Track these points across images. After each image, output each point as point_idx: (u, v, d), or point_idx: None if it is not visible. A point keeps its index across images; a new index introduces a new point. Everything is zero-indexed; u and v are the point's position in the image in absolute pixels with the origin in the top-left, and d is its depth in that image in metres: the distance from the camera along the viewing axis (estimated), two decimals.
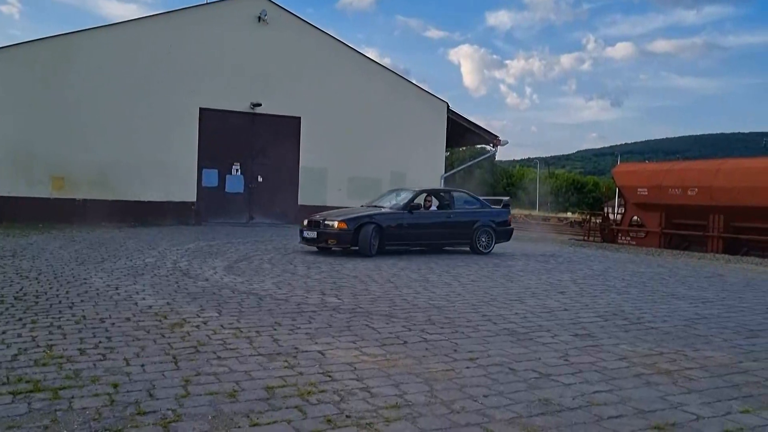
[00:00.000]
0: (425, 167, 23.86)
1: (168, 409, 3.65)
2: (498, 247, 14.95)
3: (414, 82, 25.64)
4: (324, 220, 12.79)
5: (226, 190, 21.13)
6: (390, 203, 14.21)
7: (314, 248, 13.31)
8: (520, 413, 3.82)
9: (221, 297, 7.43)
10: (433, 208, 14.68)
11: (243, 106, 20.97)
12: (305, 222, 13.07)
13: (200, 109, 20.42)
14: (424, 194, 14.64)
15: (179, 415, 3.58)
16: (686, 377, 4.75)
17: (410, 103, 23.90)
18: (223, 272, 9.48)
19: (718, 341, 6.07)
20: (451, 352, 5.22)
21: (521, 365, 4.91)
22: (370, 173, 22.98)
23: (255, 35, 21.24)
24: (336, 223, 12.55)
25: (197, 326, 5.84)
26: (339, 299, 7.57)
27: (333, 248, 12.96)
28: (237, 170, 21.32)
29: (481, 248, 14.17)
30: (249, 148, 21.39)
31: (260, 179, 21.52)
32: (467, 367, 4.78)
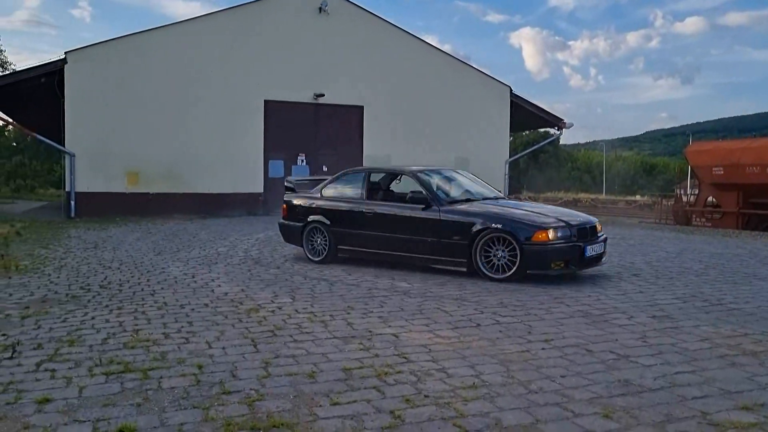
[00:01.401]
0: (489, 152, 23.64)
1: (251, 389, 3.77)
2: None
3: (475, 66, 25.40)
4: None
5: None
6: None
7: None
8: (599, 393, 3.77)
9: (293, 283, 7.58)
10: None
11: (307, 97, 21.22)
12: None
13: (265, 101, 20.77)
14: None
15: (262, 394, 3.69)
16: None
17: (473, 88, 23.68)
18: (293, 260, 9.66)
19: None
20: (525, 334, 5.19)
21: (598, 347, 4.84)
22: (433, 160, 22.87)
23: (316, 26, 21.43)
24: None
25: (272, 311, 5.98)
26: (408, 284, 7.61)
27: None
28: (302, 161, 21.62)
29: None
30: (313, 138, 21.65)
31: (325, 168, 21.75)
32: (542, 349, 4.75)
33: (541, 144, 33.12)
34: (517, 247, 7.72)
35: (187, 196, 19.76)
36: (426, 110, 22.95)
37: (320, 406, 3.52)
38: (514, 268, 7.74)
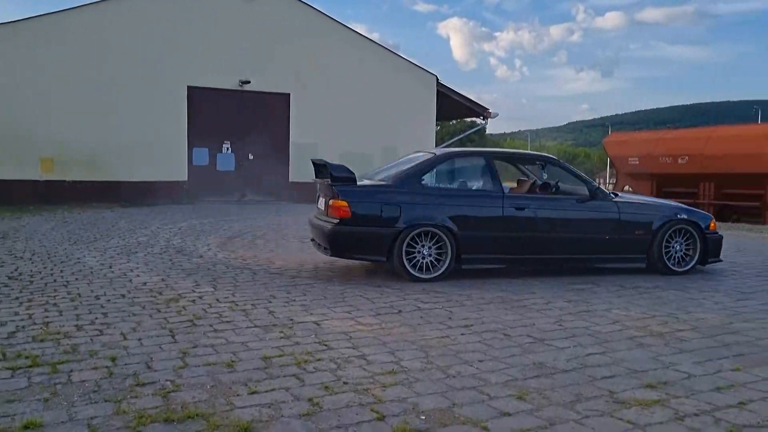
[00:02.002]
0: (416, 141, 23.72)
1: (167, 380, 3.68)
2: None
3: (403, 56, 25.50)
4: None
5: (217, 168, 21.05)
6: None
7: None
8: (515, 376, 3.87)
9: (216, 272, 7.44)
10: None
11: (232, 84, 20.80)
12: None
13: (188, 87, 20.23)
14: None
15: (178, 385, 3.61)
16: (678, 338, 4.81)
17: (399, 77, 23.78)
18: (217, 249, 9.49)
19: (710, 304, 6.14)
20: (446, 320, 5.27)
21: (516, 331, 4.96)
22: (361, 148, 22.90)
23: (242, 12, 21.00)
24: None
25: (193, 301, 5.86)
26: (333, 272, 7.60)
27: None
28: (228, 148, 21.22)
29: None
30: (239, 125, 21.26)
31: (251, 157, 21.43)
32: (462, 334, 4.83)
33: (467, 133, 33.56)
34: (698, 238, 7.87)
35: (107, 184, 19.09)
36: (353, 99, 22.89)
37: (238, 395, 3.47)
38: (696, 258, 7.91)
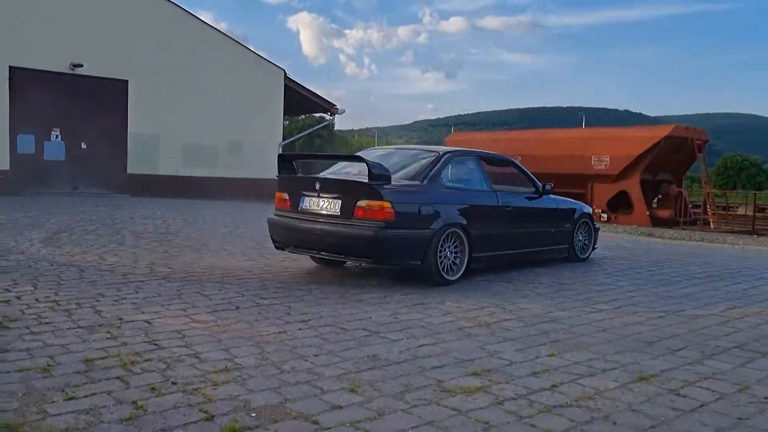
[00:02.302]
0: (263, 135, 23.48)
1: None
2: None
3: (251, 48, 25.04)
4: None
5: (44, 157, 19.47)
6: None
7: (148, 220, 12.68)
8: (349, 369, 3.92)
9: (37, 270, 6.89)
10: None
11: (62, 67, 19.32)
12: None
13: (11, 68, 18.53)
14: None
15: None
16: (503, 328, 5.12)
17: (247, 69, 23.31)
18: (41, 244, 8.78)
19: (533, 295, 6.59)
20: (284, 315, 5.24)
21: (352, 324, 5.03)
22: (205, 141, 22.23)
23: None
24: None
25: (7, 301, 5.38)
26: (170, 268, 7.31)
27: None
28: (57, 136, 19.69)
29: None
30: (71, 112, 19.78)
31: (84, 146, 20.04)
32: (299, 329, 4.83)
33: (315, 128, 33.64)
34: (593, 229, 9.51)
35: None
36: (198, 89, 22.11)
37: (53, 402, 3.23)
38: (591, 247, 9.48)
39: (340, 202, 6.63)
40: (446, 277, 6.90)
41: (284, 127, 27.08)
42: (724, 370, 4.18)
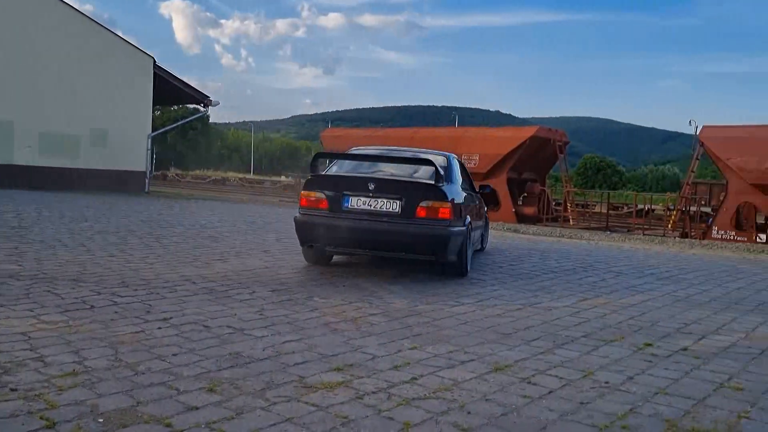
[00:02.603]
0: (130, 125, 22.43)
1: None
2: (206, 210, 14.67)
3: (119, 34, 23.81)
4: None
5: None
6: None
7: None
8: (209, 368, 3.81)
9: None
10: None
11: None
12: None
13: None
14: None
15: None
16: (369, 323, 5.17)
17: (113, 55, 22.15)
18: None
19: (399, 289, 6.71)
20: (144, 314, 5.01)
21: (216, 322, 4.90)
22: (65, 129, 20.91)
23: None
24: None
25: None
26: (19, 266, 6.79)
27: None
28: None
29: None
30: None
31: None
32: (159, 328, 4.63)
33: (187, 120, 32.63)
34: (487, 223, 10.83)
35: None
36: (57, 75, 20.76)
37: None
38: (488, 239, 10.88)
39: (399, 201, 6.89)
40: (469, 269, 7.89)
41: (155, 118, 26.02)
42: (572, 358, 4.45)
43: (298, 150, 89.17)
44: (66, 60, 20.94)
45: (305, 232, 7.30)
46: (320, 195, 7.20)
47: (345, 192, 7.09)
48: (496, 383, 3.81)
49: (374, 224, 6.91)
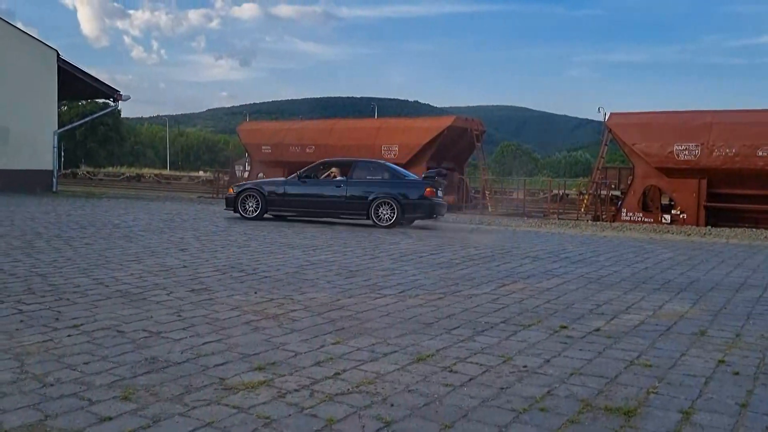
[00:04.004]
0: (34, 122, 21.34)
1: None
2: (119, 208, 14.16)
3: (19, 26, 22.56)
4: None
5: None
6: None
7: None
8: (123, 375, 3.67)
9: None
10: (341, 178, 14.37)
11: None
12: None
13: None
14: (330, 166, 14.94)
15: None
16: (291, 319, 5.11)
17: (12, 49, 20.97)
18: None
19: (323, 283, 6.68)
20: (52, 322, 4.78)
21: (131, 326, 4.73)
22: None
23: None
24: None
25: None
26: None
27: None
28: None
29: (379, 221, 13.52)
30: None
31: None
32: (69, 336, 4.43)
33: (96, 116, 31.28)
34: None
35: None
36: None
37: None
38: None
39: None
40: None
41: (62, 114, 24.85)
42: (491, 344, 4.54)
43: (217, 144, 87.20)
44: None
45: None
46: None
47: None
48: (418, 373, 3.84)
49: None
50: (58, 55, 21.99)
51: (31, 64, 21.35)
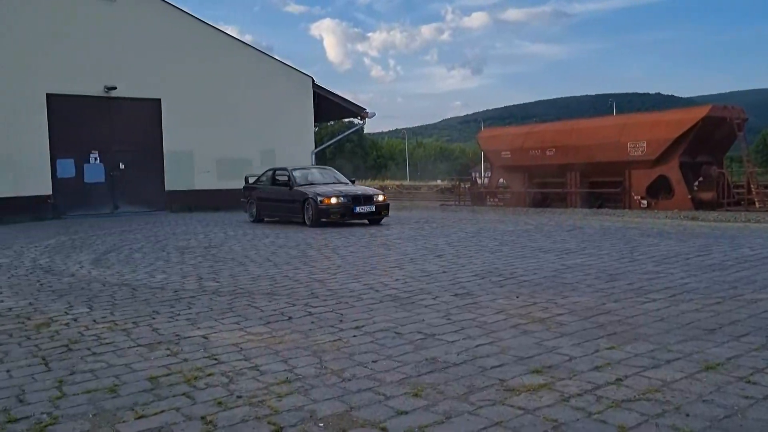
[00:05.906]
0: (295, 144, 23.64)
1: (42, 413, 3.42)
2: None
3: (277, 58, 25.23)
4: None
5: (85, 180, 19.90)
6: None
7: (189, 234, 12.87)
8: (409, 374, 3.91)
9: (91, 291, 7.02)
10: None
11: (97, 90, 19.73)
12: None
13: (48, 95, 18.99)
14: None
15: (56, 417, 3.36)
16: (558, 323, 5.05)
17: (275, 79, 23.51)
18: (91, 266, 8.96)
19: (583, 287, 6.50)
20: (337, 323, 5.25)
21: (406, 328, 5.02)
22: (238, 153, 22.46)
23: (103, 13, 19.96)
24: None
25: (66, 324, 5.49)
26: (217, 282, 7.39)
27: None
28: (96, 158, 20.12)
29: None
30: (107, 134, 20.21)
31: (122, 166, 20.44)
32: (354, 336, 4.83)
33: (346, 134, 33.75)
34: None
35: None
36: (228, 102, 22.39)
37: (124, 421, 3.28)
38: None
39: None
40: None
41: (315, 134, 27.22)
42: None
43: (453, 153, 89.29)
44: (234, 89, 22.48)
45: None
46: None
47: None
48: (710, 383, 3.57)
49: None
50: (313, 81, 24.19)
51: (291, 91, 23.74)
